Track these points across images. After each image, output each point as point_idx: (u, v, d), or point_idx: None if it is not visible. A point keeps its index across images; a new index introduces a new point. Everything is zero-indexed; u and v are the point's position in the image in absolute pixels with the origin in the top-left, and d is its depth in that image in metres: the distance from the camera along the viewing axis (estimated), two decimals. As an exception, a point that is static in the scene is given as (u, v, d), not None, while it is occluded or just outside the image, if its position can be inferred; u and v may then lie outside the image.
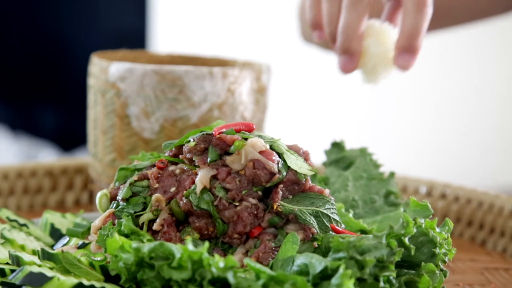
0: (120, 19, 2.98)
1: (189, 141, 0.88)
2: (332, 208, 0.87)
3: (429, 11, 0.97)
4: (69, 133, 2.96)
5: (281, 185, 0.86)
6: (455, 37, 3.37)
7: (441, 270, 0.83)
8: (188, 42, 3.15)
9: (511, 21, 3.40)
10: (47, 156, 2.83)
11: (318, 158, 1.08)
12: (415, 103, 3.41)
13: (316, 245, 0.85)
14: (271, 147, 0.87)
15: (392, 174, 1.04)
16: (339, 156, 1.05)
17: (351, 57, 0.97)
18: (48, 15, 2.92)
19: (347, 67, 0.98)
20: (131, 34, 3.02)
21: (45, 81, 2.96)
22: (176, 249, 0.76)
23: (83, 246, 0.88)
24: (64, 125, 2.98)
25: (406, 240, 0.81)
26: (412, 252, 0.81)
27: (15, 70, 2.93)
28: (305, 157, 0.89)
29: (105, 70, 1.16)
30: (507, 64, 3.48)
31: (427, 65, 3.30)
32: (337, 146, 1.06)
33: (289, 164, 0.86)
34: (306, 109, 3.26)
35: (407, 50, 0.96)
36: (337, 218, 0.87)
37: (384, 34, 1.00)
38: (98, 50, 1.26)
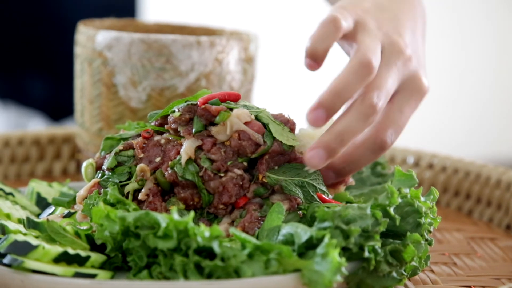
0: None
1: (174, 111, 0.88)
2: (319, 179, 0.87)
3: (381, 154, 0.87)
4: (59, 102, 2.95)
5: (267, 156, 0.86)
6: (446, 7, 3.36)
7: (426, 240, 0.84)
8: (178, 11, 3.13)
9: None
10: (36, 126, 2.83)
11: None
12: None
13: (302, 215, 0.85)
14: (257, 118, 0.87)
15: (379, 145, 1.04)
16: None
17: (328, 156, 0.83)
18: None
19: (315, 162, 0.83)
20: (120, 3, 3.00)
21: (35, 50, 2.95)
22: (161, 218, 0.76)
23: (68, 215, 0.88)
24: (53, 95, 2.97)
25: (391, 210, 0.81)
26: (397, 223, 0.81)
27: (3, 40, 2.91)
28: (291, 127, 0.89)
29: (92, 39, 1.16)
30: (497, 31, 3.48)
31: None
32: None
33: (274, 134, 0.86)
34: (294, 79, 3.25)
35: (324, 149, 0.83)
36: (323, 188, 0.87)
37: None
38: (87, 19, 1.25)
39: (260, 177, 0.85)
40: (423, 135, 3.35)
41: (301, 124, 0.91)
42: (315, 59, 0.85)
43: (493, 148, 3.47)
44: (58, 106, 2.94)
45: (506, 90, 3.52)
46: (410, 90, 0.90)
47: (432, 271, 0.92)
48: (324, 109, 0.82)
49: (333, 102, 0.82)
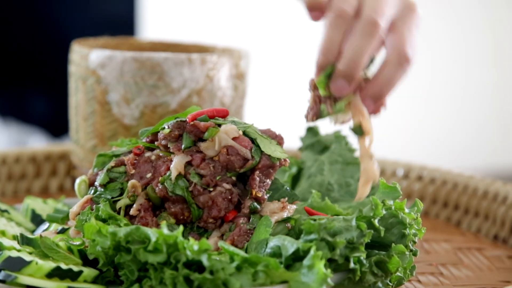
0: (110, 5, 2.98)
1: (164, 128, 0.90)
2: None
3: (408, 68, 0.88)
4: (59, 119, 2.97)
5: (257, 172, 0.88)
6: (444, 15, 3.38)
7: (411, 250, 0.86)
8: (176, 27, 3.16)
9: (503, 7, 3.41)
10: (36, 143, 2.85)
11: (297, 144, 1.10)
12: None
13: (290, 227, 0.87)
14: (245, 133, 0.89)
15: (366, 158, 1.06)
16: (314, 140, 1.07)
17: (350, 83, 0.88)
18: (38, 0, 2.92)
19: (343, 91, 0.89)
20: (120, 21, 3.03)
21: (36, 68, 2.97)
22: (151, 233, 0.78)
23: (62, 231, 0.90)
24: (54, 111, 2.99)
25: (376, 222, 0.83)
26: (382, 234, 0.83)
27: (4, 57, 2.94)
28: (279, 141, 0.91)
29: (86, 57, 1.18)
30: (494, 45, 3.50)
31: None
32: (311, 130, 1.08)
33: (262, 148, 0.88)
34: (285, 95, 3.27)
35: (344, 77, 0.87)
36: None
37: None
38: (88, 37, 1.28)
39: (254, 192, 0.88)
40: (416, 148, 3.37)
41: (289, 138, 0.94)
42: (315, 8, 0.88)
43: (486, 160, 3.48)
44: (59, 123, 2.96)
45: (503, 100, 3.53)
46: (407, 12, 0.90)
47: (418, 281, 0.94)
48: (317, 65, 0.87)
49: (324, 61, 0.87)
